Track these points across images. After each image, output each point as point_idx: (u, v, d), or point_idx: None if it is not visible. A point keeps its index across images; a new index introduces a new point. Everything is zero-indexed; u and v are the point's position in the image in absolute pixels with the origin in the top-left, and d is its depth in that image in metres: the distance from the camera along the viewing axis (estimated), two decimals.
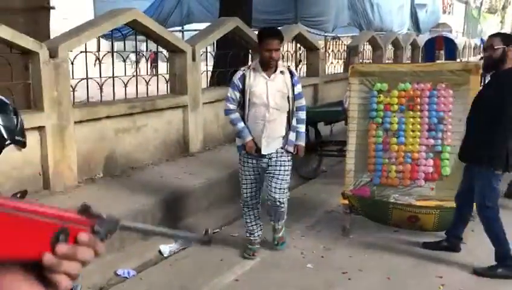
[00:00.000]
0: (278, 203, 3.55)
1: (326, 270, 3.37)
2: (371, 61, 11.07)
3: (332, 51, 9.74)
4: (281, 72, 3.46)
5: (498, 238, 3.26)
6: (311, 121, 5.67)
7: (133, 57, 7.77)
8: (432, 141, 3.81)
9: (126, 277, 3.39)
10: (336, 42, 10.14)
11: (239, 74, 3.48)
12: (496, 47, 3.15)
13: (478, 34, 26.18)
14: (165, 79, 5.52)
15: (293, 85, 3.47)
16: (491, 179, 3.21)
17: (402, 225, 3.79)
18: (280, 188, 3.53)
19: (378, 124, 3.93)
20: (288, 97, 3.46)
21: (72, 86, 4.41)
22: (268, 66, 3.41)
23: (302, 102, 3.58)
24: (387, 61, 11.66)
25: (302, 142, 3.60)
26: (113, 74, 4.84)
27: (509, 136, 3.15)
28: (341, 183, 4.15)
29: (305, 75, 8.44)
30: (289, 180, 3.62)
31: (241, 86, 3.43)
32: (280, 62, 3.51)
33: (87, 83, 4.73)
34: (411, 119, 3.84)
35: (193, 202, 4.45)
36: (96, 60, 4.97)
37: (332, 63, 9.60)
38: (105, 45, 6.18)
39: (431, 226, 3.69)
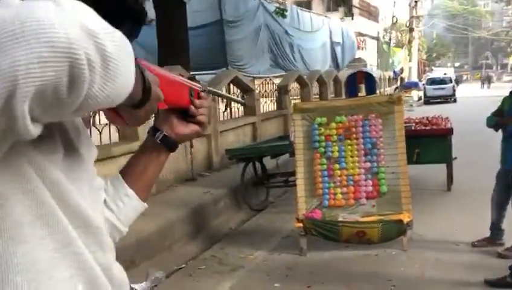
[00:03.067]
0: None
1: (293, 286, 3.75)
2: (300, 98, 11.90)
3: (265, 91, 10.42)
4: None
5: None
6: (258, 156, 6.17)
7: None
8: (368, 164, 4.38)
9: None
10: (267, 82, 10.85)
11: None
12: None
13: (390, 66, 28.57)
14: (117, 127, 5.75)
15: None
16: None
17: (352, 240, 4.27)
18: None
19: (321, 153, 4.46)
20: None
21: None
22: None
23: None
24: (314, 97, 12.58)
25: None
26: None
27: None
28: (290, 211, 4.59)
29: (243, 114, 8.99)
30: None
31: None
32: None
33: None
34: (349, 147, 4.41)
35: (157, 242, 4.66)
36: None
37: (266, 102, 10.24)
38: None
39: (376, 239, 4.20)
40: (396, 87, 24.20)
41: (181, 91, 0.94)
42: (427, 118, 6.82)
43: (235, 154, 6.11)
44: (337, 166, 4.42)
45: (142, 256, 4.43)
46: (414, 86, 26.34)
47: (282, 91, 10.58)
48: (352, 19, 24.57)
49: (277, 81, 11.44)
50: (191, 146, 6.64)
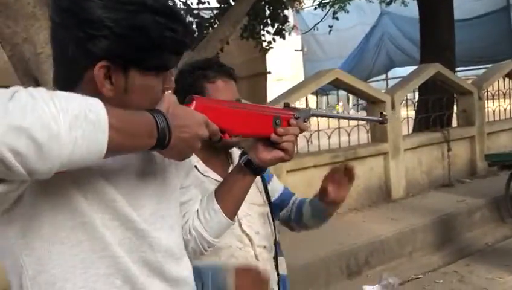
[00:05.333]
0: None
1: None
2: None
3: None
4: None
5: None
6: None
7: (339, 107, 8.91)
8: None
9: None
10: None
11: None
12: None
13: None
14: (366, 129, 5.85)
15: None
16: None
17: None
18: None
19: None
20: None
21: None
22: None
23: None
24: None
25: None
26: (318, 128, 5.41)
27: None
28: None
29: None
30: None
31: None
32: None
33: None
34: None
35: (396, 248, 4.55)
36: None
37: None
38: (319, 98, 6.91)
39: None
40: None
41: (258, 121, 1.03)
42: None
43: (495, 161, 5.34)
44: None
45: (378, 259, 4.41)
46: None
47: None
48: None
49: None
50: (449, 149, 6.15)
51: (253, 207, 1.55)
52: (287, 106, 1.13)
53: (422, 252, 4.68)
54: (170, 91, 0.92)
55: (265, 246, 1.57)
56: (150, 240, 0.91)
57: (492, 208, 5.44)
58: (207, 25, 7.36)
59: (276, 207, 1.71)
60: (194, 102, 0.93)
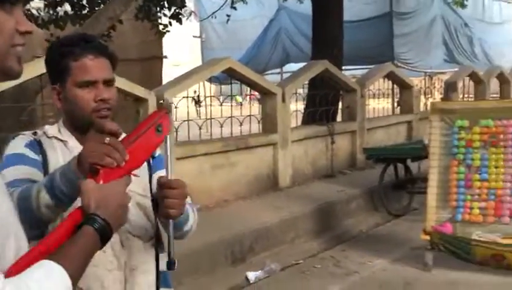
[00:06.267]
0: None
1: None
2: (474, 96, 10.68)
3: (434, 87, 9.64)
4: None
5: None
6: (396, 158, 5.77)
7: (239, 98, 9.21)
8: None
9: None
10: (438, 78, 10.02)
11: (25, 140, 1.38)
12: None
13: None
14: (257, 119, 5.98)
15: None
16: None
17: (488, 263, 3.70)
18: None
19: (460, 160, 3.95)
20: None
21: (175, 127, 5.03)
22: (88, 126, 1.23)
23: None
24: (491, 96, 11.15)
25: None
26: (210, 116, 5.42)
27: None
28: None
29: (399, 112, 8.49)
30: None
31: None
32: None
33: (188, 124, 5.34)
34: (494, 156, 3.81)
35: (279, 235, 4.73)
36: (197, 102, 5.71)
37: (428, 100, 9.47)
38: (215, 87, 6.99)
39: None
40: None
41: (147, 141, 1.08)
42: None
43: (372, 154, 5.80)
44: (477, 176, 3.86)
45: (262, 246, 4.54)
46: None
47: (449, 88, 9.60)
48: None
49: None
50: (332, 142, 6.53)
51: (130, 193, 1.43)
52: (160, 105, 1.23)
53: (304, 238, 4.93)
54: (90, 181, 0.96)
55: (136, 235, 1.42)
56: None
57: (367, 197, 5.90)
58: (99, 1, 6.94)
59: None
60: (101, 175, 0.98)
